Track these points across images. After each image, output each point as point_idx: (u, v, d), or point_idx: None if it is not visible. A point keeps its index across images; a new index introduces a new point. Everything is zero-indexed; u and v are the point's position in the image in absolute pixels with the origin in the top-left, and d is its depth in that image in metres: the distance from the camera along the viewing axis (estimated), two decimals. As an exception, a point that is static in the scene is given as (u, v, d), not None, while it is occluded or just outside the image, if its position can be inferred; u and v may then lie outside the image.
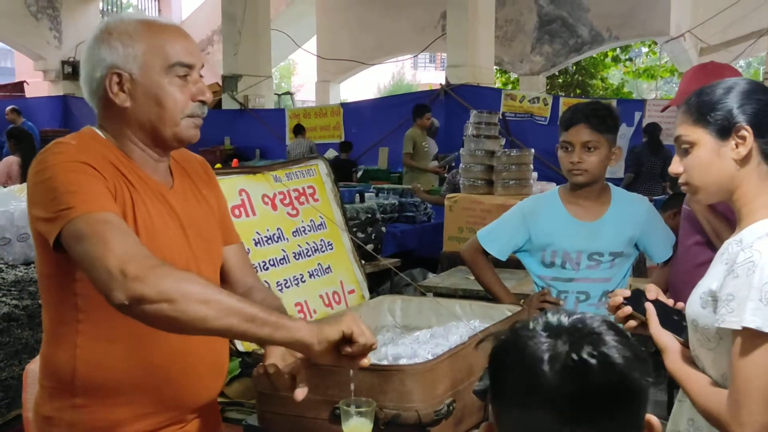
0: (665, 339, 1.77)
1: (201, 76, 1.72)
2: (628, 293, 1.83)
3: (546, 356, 0.98)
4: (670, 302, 1.83)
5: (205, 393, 1.75)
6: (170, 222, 1.68)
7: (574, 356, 0.97)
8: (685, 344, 1.78)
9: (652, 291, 1.83)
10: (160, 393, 1.66)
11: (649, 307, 1.79)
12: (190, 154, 1.90)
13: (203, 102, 1.69)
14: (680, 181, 1.78)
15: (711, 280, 1.69)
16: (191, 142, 1.72)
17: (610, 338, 1.00)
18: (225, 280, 1.88)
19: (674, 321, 1.79)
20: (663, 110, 3.75)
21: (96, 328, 1.61)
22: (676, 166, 1.78)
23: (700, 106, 1.72)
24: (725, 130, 1.68)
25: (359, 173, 10.72)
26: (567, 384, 0.96)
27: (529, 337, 1.01)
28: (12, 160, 8.06)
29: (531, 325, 1.03)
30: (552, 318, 1.04)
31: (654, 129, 9.34)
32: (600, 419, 0.97)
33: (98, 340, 1.61)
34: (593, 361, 0.96)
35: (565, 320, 1.03)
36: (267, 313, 1.46)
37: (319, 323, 1.50)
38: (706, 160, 1.71)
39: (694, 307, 1.71)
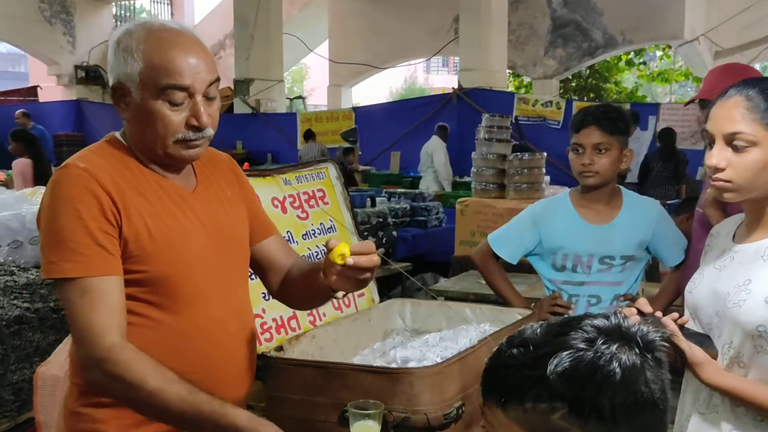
0: (697, 352, 1.72)
1: (211, 98, 1.65)
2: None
3: (638, 363, 1.02)
4: (658, 314, 1.76)
5: (229, 393, 1.74)
6: (190, 225, 1.68)
7: (651, 354, 1.04)
8: (714, 355, 1.74)
9: (644, 305, 1.76)
10: None
11: (669, 323, 1.72)
12: (218, 154, 1.89)
13: (198, 127, 1.63)
14: (719, 175, 1.71)
15: None
16: (188, 161, 1.70)
17: (647, 327, 1.06)
18: (269, 270, 1.92)
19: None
20: (687, 104, 3.71)
21: None
22: (717, 160, 1.70)
23: None
24: None
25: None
26: (660, 379, 1.04)
27: (601, 353, 1.01)
28: (25, 163, 8.10)
29: (583, 344, 1.02)
30: (597, 324, 1.05)
31: (669, 134, 9.26)
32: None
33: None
34: (664, 348, 1.06)
35: (605, 324, 1.05)
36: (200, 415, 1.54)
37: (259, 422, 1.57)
38: (762, 164, 1.67)
39: (760, 312, 1.65)
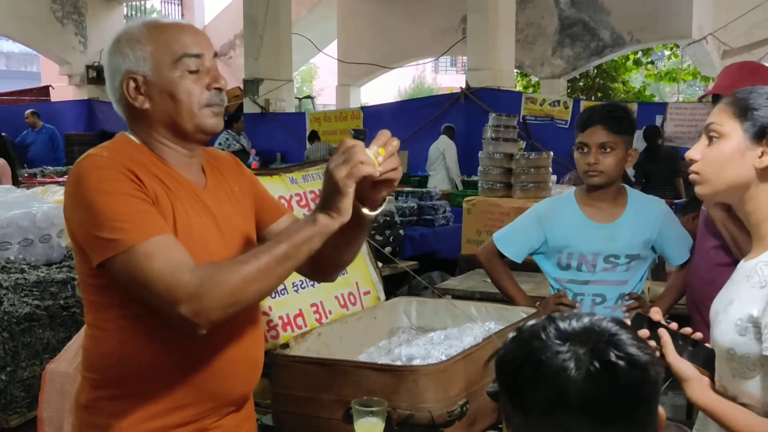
0: (685, 368, 1.67)
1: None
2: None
3: (571, 365, 0.98)
4: (673, 326, 1.73)
5: (240, 386, 1.78)
6: (206, 221, 1.71)
7: (598, 360, 0.98)
8: (707, 375, 1.70)
9: (656, 314, 1.73)
10: (196, 385, 1.69)
11: (664, 334, 1.68)
12: (219, 151, 1.93)
13: (219, 89, 1.71)
14: (692, 168, 1.71)
15: (747, 305, 1.60)
16: (214, 130, 1.74)
17: (625, 337, 1.02)
18: None
19: (679, 346, 1.70)
20: (701, 98, 3.72)
21: (136, 323, 1.64)
22: (695, 153, 1.70)
23: (746, 102, 1.65)
24: (759, 133, 1.62)
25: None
26: (596, 388, 0.97)
27: (545, 348, 1.00)
28: (2, 163, 8.00)
29: (542, 335, 1.02)
30: (563, 324, 1.03)
31: (652, 134, 9.20)
32: (629, 415, 0.99)
33: (138, 334, 1.64)
34: (620, 362, 0.98)
35: (576, 325, 1.03)
36: (290, 237, 1.59)
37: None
38: (726, 156, 1.65)
39: (729, 335, 1.62)
